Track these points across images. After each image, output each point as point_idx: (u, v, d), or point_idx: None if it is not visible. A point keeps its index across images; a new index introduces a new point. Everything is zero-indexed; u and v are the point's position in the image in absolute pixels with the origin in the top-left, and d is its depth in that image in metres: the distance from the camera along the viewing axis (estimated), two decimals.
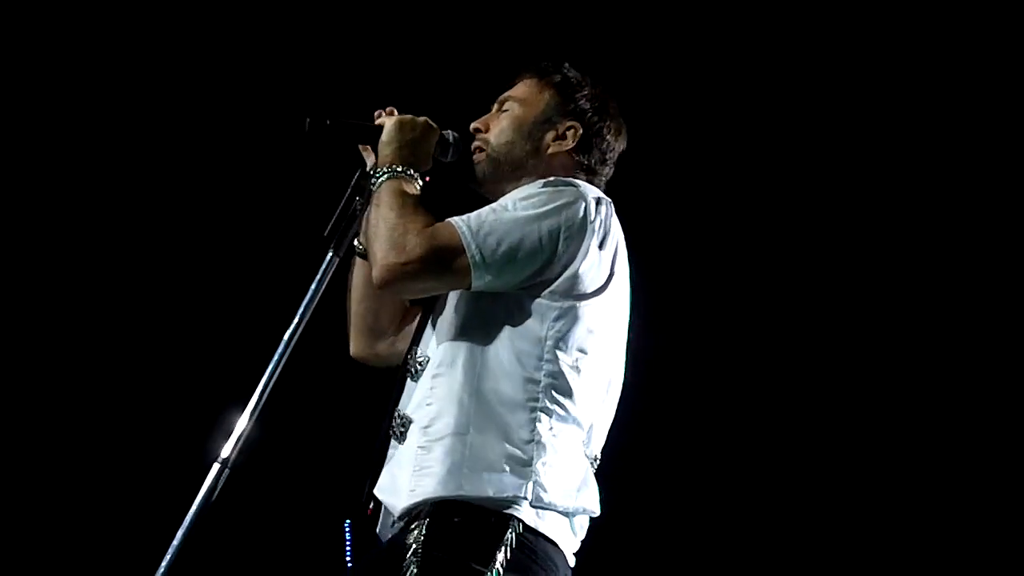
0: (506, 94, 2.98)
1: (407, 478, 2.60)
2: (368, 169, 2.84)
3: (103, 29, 5.57)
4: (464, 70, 5.18)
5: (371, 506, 2.76)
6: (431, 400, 2.64)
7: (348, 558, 6.37)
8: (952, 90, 5.65)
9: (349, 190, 2.82)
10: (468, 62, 5.26)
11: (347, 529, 6.48)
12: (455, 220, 2.62)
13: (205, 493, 2.65)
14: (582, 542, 2.72)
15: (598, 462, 2.75)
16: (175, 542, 2.63)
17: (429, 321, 2.80)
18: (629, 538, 5.60)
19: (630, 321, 2.87)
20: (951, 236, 5.78)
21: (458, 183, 2.97)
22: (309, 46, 5.58)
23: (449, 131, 2.90)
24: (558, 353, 2.61)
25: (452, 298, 2.73)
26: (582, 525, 2.69)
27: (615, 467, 2.92)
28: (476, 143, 2.93)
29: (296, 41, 5.61)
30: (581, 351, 2.65)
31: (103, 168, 5.76)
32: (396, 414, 2.73)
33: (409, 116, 2.84)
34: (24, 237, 5.74)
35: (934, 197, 5.77)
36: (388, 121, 2.83)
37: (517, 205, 2.64)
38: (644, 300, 3.00)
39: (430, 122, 2.85)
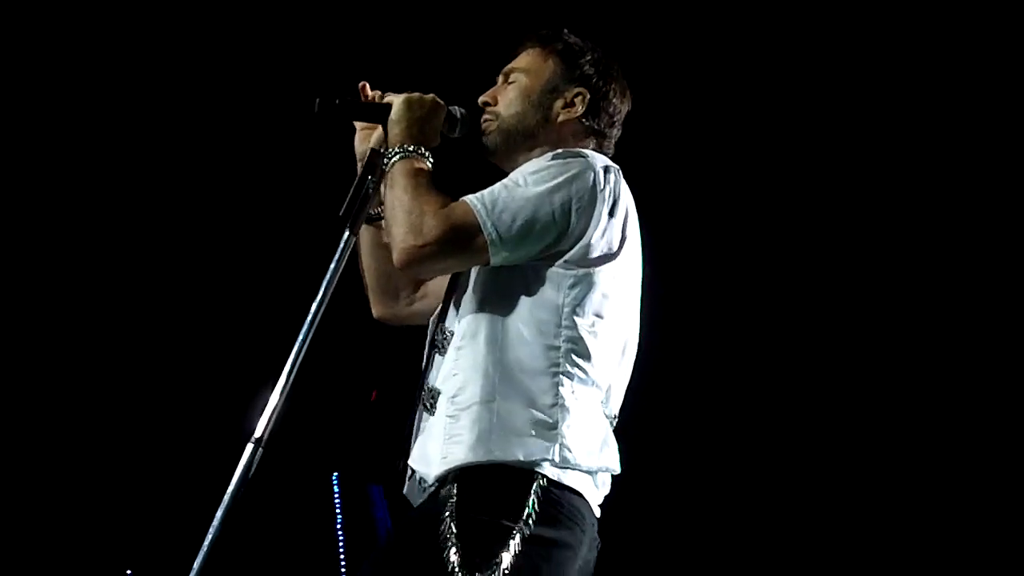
0: (510, 65, 3.03)
1: (438, 447, 2.68)
2: (378, 147, 2.88)
3: (116, 18, 5.65)
4: (466, 45, 5.21)
5: (406, 475, 2.84)
6: (456, 371, 2.72)
7: (379, 520, 6.50)
8: (960, 88, 5.66)
9: (361, 170, 2.86)
10: (469, 36, 5.30)
11: (374, 494, 6.60)
12: (469, 199, 2.68)
13: (241, 473, 2.69)
14: (606, 497, 2.81)
15: (616, 420, 2.84)
16: (214, 523, 2.67)
17: (453, 297, 2.87)
18: (648, 495, 5.68)
19: (644, 283, 2.95)
20: (950, 233, 5.84)
21: (468, 157, 3.02)
22: (315, 28, 5.62)
23: (456, 107, 2.95)
24: (575, 319, 2.69)
25: (472, 273, 2.80)
26: (604, 481, 2.77)
27: (634, 427, 2.99)
28: (486, 116, 2.98)
29: (302, 23, 5.65)
30: (597, 315, 2.73)
31: (133, 157, 5.85)
32: (425, 387, 2.81)
33: (417, 94, 2.89)
34: (56, 229, 5.81)
35: (939, 195, 5.83)
36: (396, 99, 2.88)
37: (528, 180, 2.70)
38: (659, 274, 3.05)
39: (437, 99, 2.89)
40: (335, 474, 6.69)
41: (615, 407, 2.84)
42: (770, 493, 6.07)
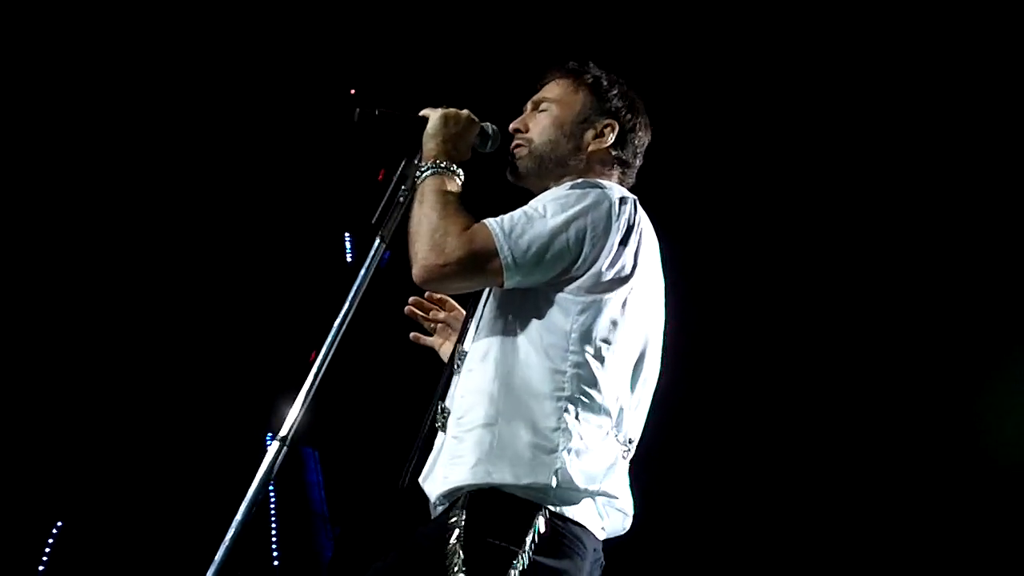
0: (540, 95, 3.12)
1: (442, 467, 2.76)
2: (415, 160, 2.95)
3: (128, 26, 5.70)
4: (492, 63, 5.29)
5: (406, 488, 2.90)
6: (464, 393, 2.81)
7: (312, 484, 6.49)
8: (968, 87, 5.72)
9: (395, 179, 2.94)
10: (495, 57, 5.37)
11: (308, 457, 6.61)
12: (490, 222, 2.76)
13: (266, 469, 2.77)
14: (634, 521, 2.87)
15: (632, 444, 2.89)
16: (239, 516, 2.73)
17: (472, 320, 2.96)
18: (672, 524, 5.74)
19: (668, 309, 3.02)
20: (958, 231, 5.87)
21: (497, 174, 3.09)
22: (350, 41, 5.70)
23: (488, 123, 3.04)
24: (583, 345, 2.76)
25: (488, 297, 2.89)
26: (609, 508, 2.80)
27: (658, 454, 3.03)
28: (517, 142, 3.07)
29: (336, 37, 5.73)
30: (605, 342, 2.79)
31: (168, 158, 5.89)
32: (439, 407, 2.88)
33: (453, 110, 2.97)
34: (86, 230, 5.88)
35: (949, 193, 5.86)
36: (433, 114, 2.96)
37: (547, 208, 2.78)
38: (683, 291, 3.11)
39: (472, 116, 2.98)
40: (268, 435, 6.70)
41: (631, 432, 2.88)
42: (796, 506, 6.11)
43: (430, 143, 2.92)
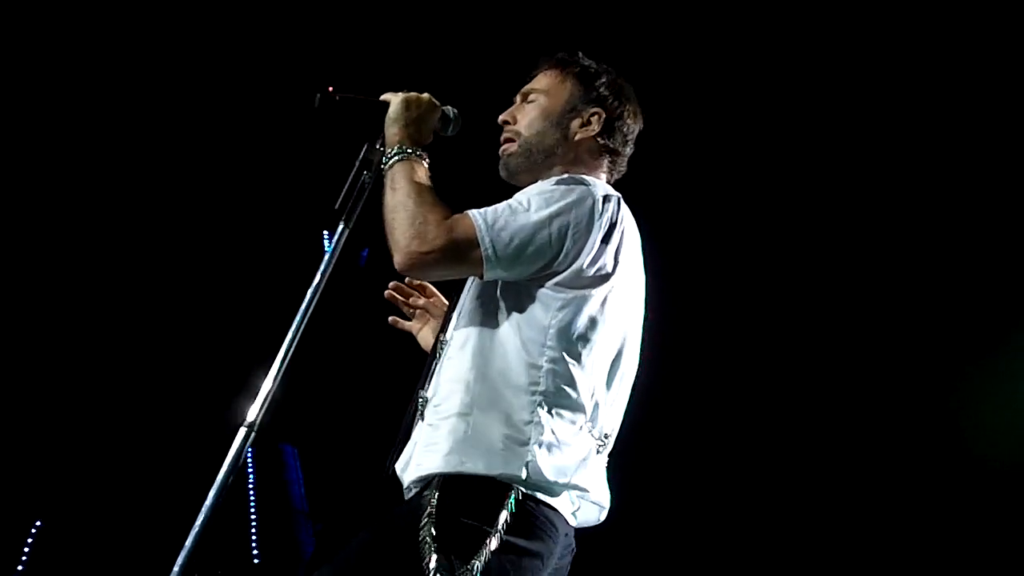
0: (528, 86, 3.14)
1: (416, 454, 2.79)
2: (377, 145, 2.97)
3: (121, 22, 5.69)
4: (454, 45, 5.30)
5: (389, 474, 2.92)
6: (443, 381, 2.83)
7: (291, 481, 6.50)
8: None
9: (357, 164, 2.96)
10: (469, 41, 5.39)
11: (287, 454, 6.62)
12: (472, 213, 2.77)
13: (233, 456, 2.79)
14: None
15: (608, 439, 2.91)
16: (208, 501, 2.75)
17: (454, 310, 2.98)
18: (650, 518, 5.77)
19: (647, 305, 3.04)
20: (958, 229, 5.91)
21: (461, 155, 3.10)
22: (317, 27, 5.71)
23: (449, 107, 3.05)
24: (560, 341, 2.77)
25: (471, 289, 2.91)
26: (581, 500, 2.82)
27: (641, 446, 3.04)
28: (505, 135, 3.09)
29: (305, 23, 5.73)
30: (583, 338, 2.80)
31: (128, 154, 5.90)
32: (420, 395, 2.90)
33: (414, 94, 2.98)
34: (67, 225, 5.88)
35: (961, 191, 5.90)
36: (394, 98, 2.97)
37: (532, 202, 2.79)
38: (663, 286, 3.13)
39: (433, 99, 2.99)
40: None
41: (606, 427, 2.90)
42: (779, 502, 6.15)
43: (393, 127, 2.92)
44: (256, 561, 7.16)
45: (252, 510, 7.19)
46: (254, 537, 7.20)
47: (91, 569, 6.41)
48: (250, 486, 7.14)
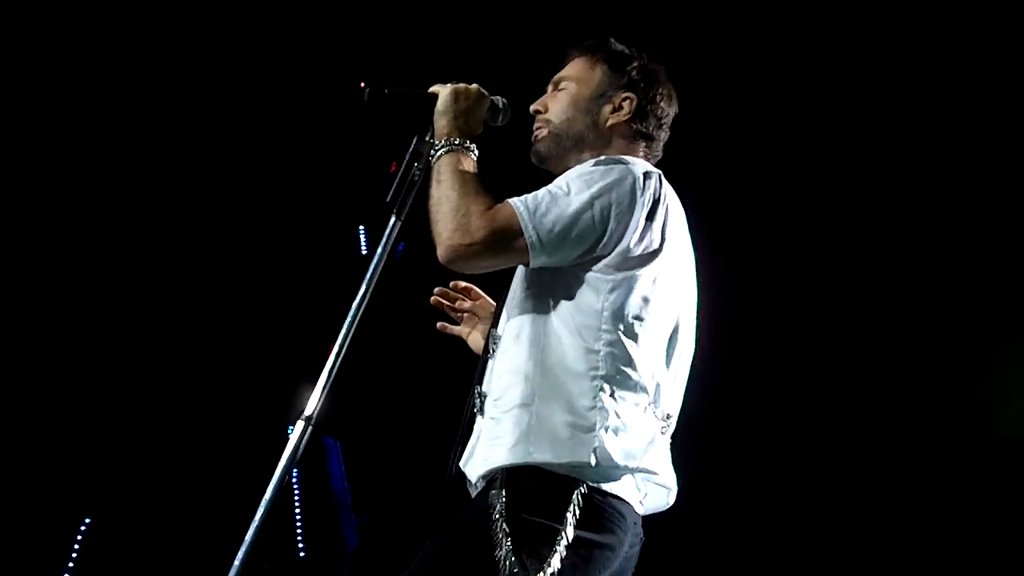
0: (559, 75, 3.12)
1: (482, 449, 2.78)
2: (427, 137, 2.96)
3: (161, 19, 5.73)
4: (509, 38, 5.30)
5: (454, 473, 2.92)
6: (500, 375, 2.81)
7: (334, 475, 6.55)
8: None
9: (407, 156, 2.96)
10: (512, 31, 5.39)
11: (330, 447, 6.66)
12: (514, 202, 2.75)
13: (292, 450, 2.80)
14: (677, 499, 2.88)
15: (671, 419, 2.90)
16: (267, 496, 2.76)
17: (504, 304, 2.96)
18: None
19: (699, 281, 3.03)
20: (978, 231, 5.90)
21: (510, 148, 3.10)
22: (363, 20, 5.72)
23: (499, 97, 3.04)
24: (615, 323, 2.76)
25: (518, 279, 2.90)
26: (648, 484, 2.81)
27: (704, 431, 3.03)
28: (537, 123, 3.08)
29: (338, 17, 5.75)
30: (637, 318, 2.79)
31: (183, 154, 5.93)
32: (477, 391, 2.89)
33: (463, 85, 2.98)
34: (106, 228, 5.93)
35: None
36: (443, 90, 2.96)
37: (571, 186, 2.77)
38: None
39: (482, 90, 2.99)
40: (290, 427, 6.71)
41: (668, 407, 2.89)
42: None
43: (441, 120, 2.92)
44: (302, 555, 7.20)
45: (296, 504, 7.23)
46: (299, 531, 7.24)
47: (140, 567, 6.47)
48: (295, 480, 7.18)
